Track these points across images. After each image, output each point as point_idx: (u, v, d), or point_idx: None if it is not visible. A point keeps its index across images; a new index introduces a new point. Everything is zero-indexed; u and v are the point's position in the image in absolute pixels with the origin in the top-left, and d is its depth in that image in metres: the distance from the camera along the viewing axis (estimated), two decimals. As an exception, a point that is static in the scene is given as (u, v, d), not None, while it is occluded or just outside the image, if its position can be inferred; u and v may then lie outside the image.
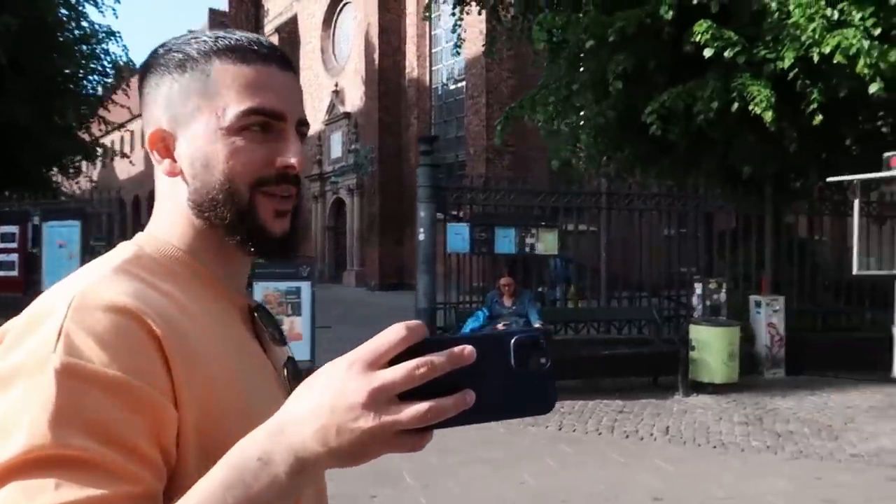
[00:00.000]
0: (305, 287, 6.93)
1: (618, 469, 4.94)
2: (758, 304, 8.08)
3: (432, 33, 24.11)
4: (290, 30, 31.00)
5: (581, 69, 9.11)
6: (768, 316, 7.99)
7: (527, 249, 7.79)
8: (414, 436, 0.53)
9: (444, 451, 4.90)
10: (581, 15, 8.33)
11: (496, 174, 18.90)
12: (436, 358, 0.52)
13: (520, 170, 19.75)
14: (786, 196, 9.10)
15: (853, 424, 6.05)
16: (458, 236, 7.56)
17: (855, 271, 7.49)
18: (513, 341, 0.56)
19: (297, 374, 0.80)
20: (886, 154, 7.69)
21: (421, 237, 7.48)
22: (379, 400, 0.52)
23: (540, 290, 8.91)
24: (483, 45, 12.26)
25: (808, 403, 6.80)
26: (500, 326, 6.80)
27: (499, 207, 8.19)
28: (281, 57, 0.75)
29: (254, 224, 0.73)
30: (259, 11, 34.28)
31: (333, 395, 0.53)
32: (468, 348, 0.53)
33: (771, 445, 5.47)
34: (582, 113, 8.98)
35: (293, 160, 0.73)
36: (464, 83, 22.65)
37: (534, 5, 10.45)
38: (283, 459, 0.53)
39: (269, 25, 32.90)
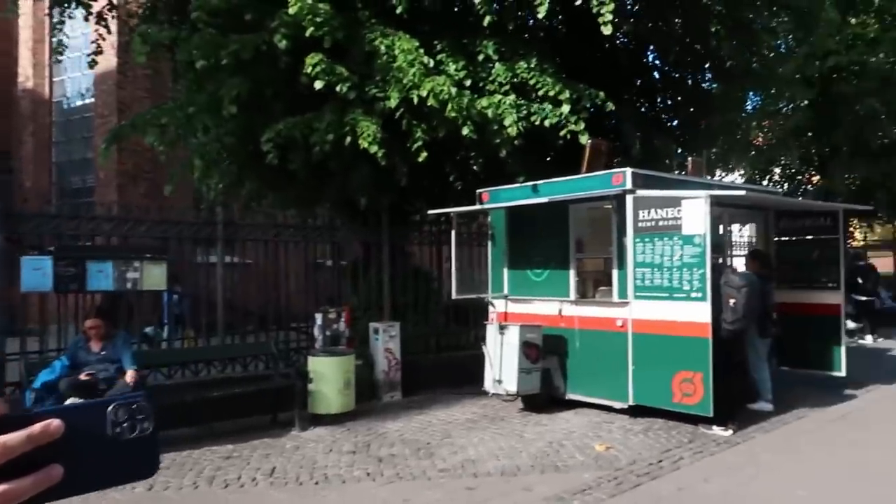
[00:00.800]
0: None
1: (204, 527, 4.45)
2: (376, 331, 8.38)
3: (53, 39, 21.03)
4: None
5: (200, 90, 8.59)
6: (385, 342, 8.32)
7: (129, 285, 6.90)
8: None
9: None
10: (194, 33, 7.83)
11: (132, 201, 17.11)
12: (10, 438, 0.51)
13: (158, 198, 18.18)
14: (403, 226, 9.70)
15: (449, 439, 6.49)
16: (38, 272, 6.35)
17: (453, 296, 8.23)
18: (108, 409, 0.57)
19: None
20: (479, 190, 8.68)
21: (-17, 274, 6.11)
22: None
23: (147, 330, 8.06)
24: (90, 57, 10.89)
25: (415, 423, 7.16)
26: (83, 376, 5.83)
27: (98, 238, 7.16)
28: None
29: None
30: None
31: None
32: (55, 423, 0.53)
33: (371, 472, 5.53)
34: (198, 137, 8.42)
35: None
36: (93, 100, 20.17)
37: (152, 18, 9.64)
38: None
39: None
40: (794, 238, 8.97)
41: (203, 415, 6.83)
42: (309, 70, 7.31)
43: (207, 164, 8.42)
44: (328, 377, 7.14)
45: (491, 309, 8.30)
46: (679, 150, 11.73)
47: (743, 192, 7.33)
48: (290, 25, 7.33)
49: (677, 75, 12.22)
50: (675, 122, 12.35)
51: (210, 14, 7.59)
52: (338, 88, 7.53)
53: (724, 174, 17.30)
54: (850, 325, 13.67)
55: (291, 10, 7.07)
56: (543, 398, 7.60)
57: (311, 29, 7.26)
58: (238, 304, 8.39)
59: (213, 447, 6.26)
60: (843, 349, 8.29)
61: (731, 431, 6.57)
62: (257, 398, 7.14)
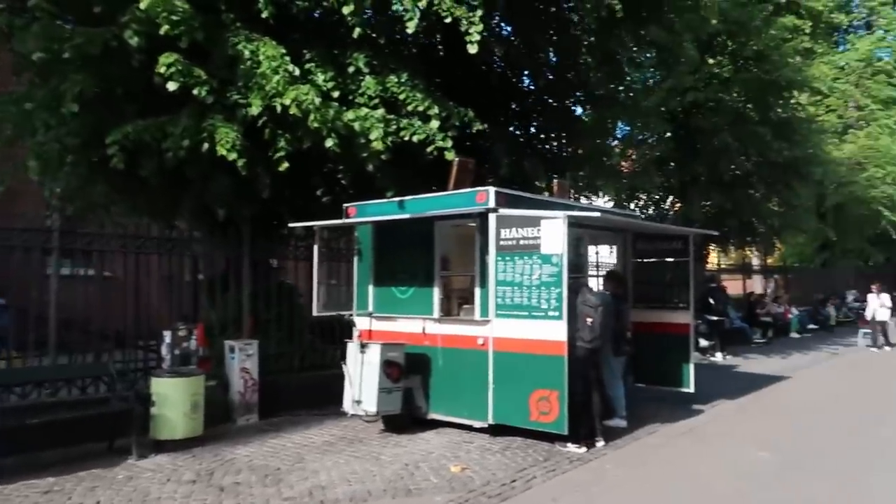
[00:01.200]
0: None
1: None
2: (231, 350, 7.92)
3: None
4: None
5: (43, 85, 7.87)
6: (242, 361, 7.87)
7: (-61, 297, 6.12)
8: None
9: None
10: (33, 22, 7.16)
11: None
12: None
13: (9, 204, 16.57)
14: (268, 240, 9.30)
15: (301, 464, 6.17)
16: None
17: (315, 312, 7.92)
18: None
19: None
20: (346, 204, 8.47)
21: None
22: None
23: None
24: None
25: (267, 448, 6.78)
26: None
27: None
28: None
29: None
30: None
31: None
32: None
33: (209, 503, 5.13)
34: (37, 135, 7.69)
35: None
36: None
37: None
38: None
39: None
40: (649, 260, 9.39)
41: (26, 443, 6.13)
42: (162, 70, 6.86)
43: (47, 166, 7.68)
44: (173, 400, 6.62)
45: (355, 327, 8.07)
46: (550, 173, 12.05)
47: (598, 214, 7.57)
48: (144, 22, 6.86)
49: (551, 101, 12.61)
50: (547, 146, 12.71)
51: (52, 3, 6.96)
52: (195, 92, 7.12)
53: (592, 198, 18.05)
54: (703, 342, 14.57)
55: (143, 5, 6.61)
56: (405, 418, 7.44)
57: (167, 27, 6.83)
58: (77, 321, 7.66)
59: (32, 480, 5.61)
60: (691, 366, 8.73)
61: (584, 449, 6.69)
62: (92, 424, 6.50)
